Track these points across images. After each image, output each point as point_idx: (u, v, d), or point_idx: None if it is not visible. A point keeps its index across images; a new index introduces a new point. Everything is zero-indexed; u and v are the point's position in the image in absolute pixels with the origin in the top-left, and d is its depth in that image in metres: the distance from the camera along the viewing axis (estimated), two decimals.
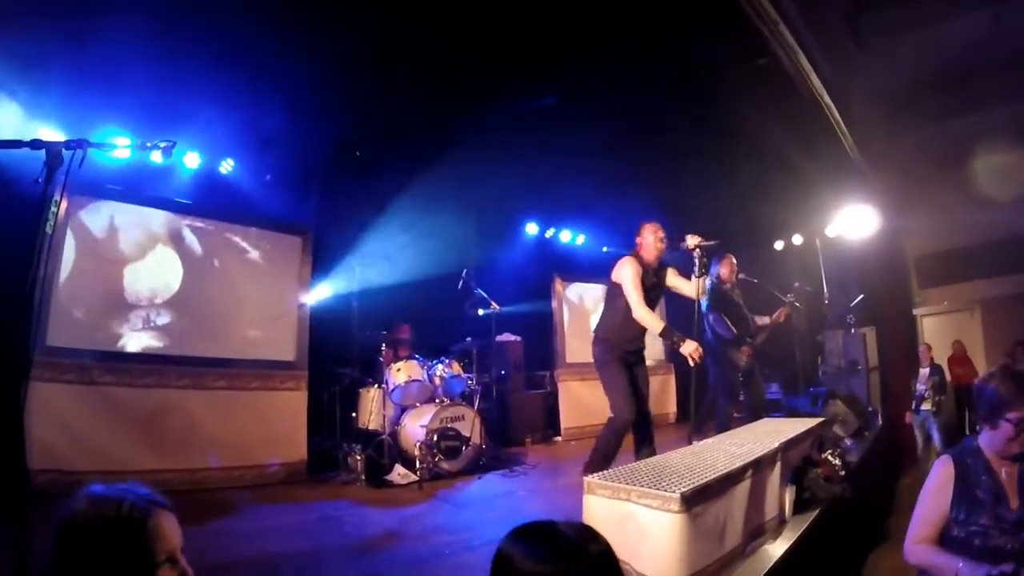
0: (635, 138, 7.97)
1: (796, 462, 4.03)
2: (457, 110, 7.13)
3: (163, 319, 6.31)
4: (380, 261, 7.66)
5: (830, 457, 4.27)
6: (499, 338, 8.87)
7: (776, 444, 3.70)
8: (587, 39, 6.05)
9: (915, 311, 11.06)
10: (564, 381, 9.73)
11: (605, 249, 11.21)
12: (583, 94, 7.08)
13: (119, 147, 4.59)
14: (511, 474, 6.83)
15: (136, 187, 6.29)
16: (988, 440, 2.34)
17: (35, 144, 2.60)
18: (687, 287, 5.12)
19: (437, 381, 7.16)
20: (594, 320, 5.61)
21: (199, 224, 6.68)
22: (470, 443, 6.83)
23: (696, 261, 4.88)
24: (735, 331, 6.74)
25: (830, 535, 3.82)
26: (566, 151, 8.07)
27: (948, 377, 9.36)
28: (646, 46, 6.21)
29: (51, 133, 5.26)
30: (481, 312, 8.20)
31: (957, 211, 9.71)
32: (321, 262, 7.52)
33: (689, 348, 4.68)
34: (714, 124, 7.44)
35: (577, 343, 9.86)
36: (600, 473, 3.11)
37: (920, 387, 8.16)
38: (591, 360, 5.28)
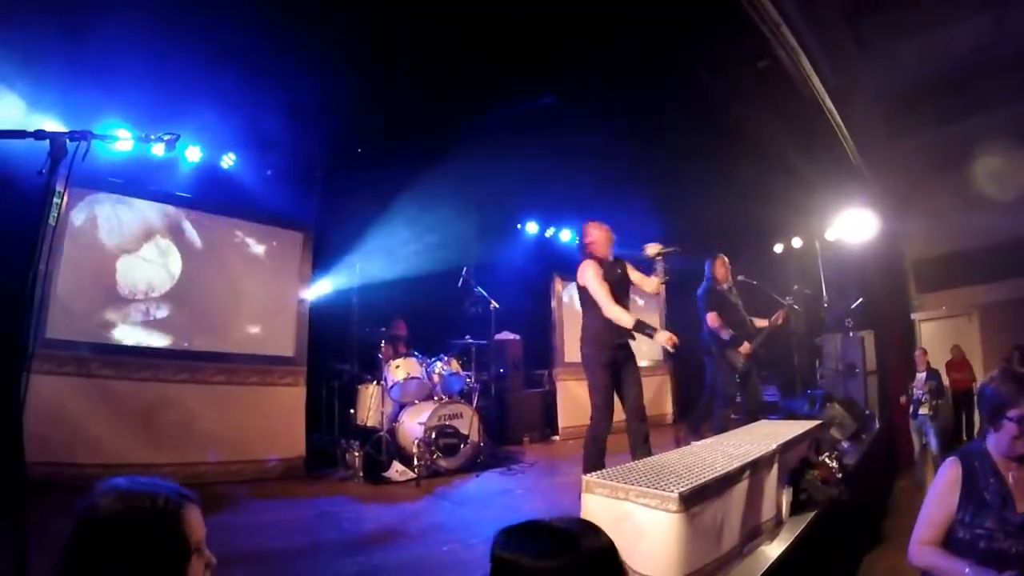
0: (635, 139, 7.97)
1: (793, 464, 4.04)
2: (458, 109, 7.15)
3: (162, 313, 6.31)
4: (380, 258, 7.66)
5: (827, 459, 4.27)
6: (498, 336, 8.89)
7: (774, 446, 3.71)
8: (588, 39, 6.06)
9: (913, 316, 11.07)
10: (562, 380, 9.74)
11: None
12: (584, 94, 7.09)
13: (122, 139, 4.60)
14: (509, 472, 6.85)
15: (137, 180, 6.29)
16: (994, 442, 2.35)
17: (39, 135, 2.59)
18: (647, 283, 5.19)
19: (436, 378, 7.17)
20: None
21: (199, 218, 6.68)
22: (468, 441, 6.84)
23: (658, 268, 4.93)
24: (732, 332, 6.74)
25: (827, 537, 3.83)
26: (567, 151, 8.06)
27: (946, 382, 9.38)
28: (647, 46, 6.22)
29: (53, 126, 5.26)
30: (480, 310, 8.21)
31: (956, 215, 9.72)
32: (321, 258, 7.53)
33: (662, 338, 4.71)
34: (715, 125, 7.45)
35: (576, 343, 9.81)
36: (598, 472, 3.12)
37: (917, 392, 8.17)
38: None
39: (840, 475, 4.21)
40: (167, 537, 1.30)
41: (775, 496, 3.61)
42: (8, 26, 4.61)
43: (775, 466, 3.64)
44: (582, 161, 8.39)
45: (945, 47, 7.68)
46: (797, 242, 11.44)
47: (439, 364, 7.27)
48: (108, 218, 6.10)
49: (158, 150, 3.18)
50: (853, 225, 9.47)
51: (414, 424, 6.69)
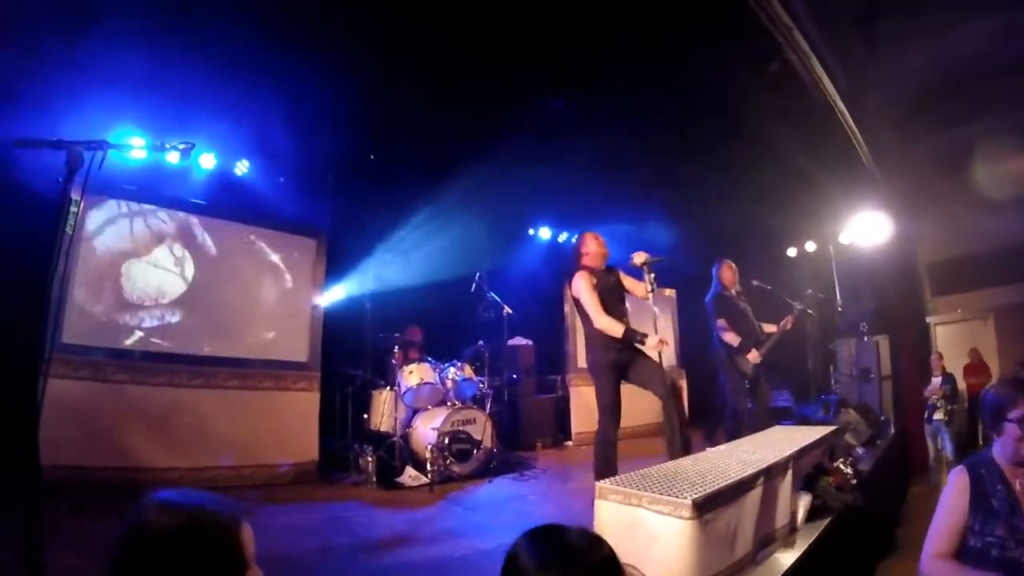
0: (647, 143, 7.96)
1: (808, 470, 4.02)
2: (470, 115, 7.16)
3: (177, 318, 6.36)
4: (394, 264, 7.69)
5: (842, 466, 4.25)
6: (511, 342, 8.88)
7: (788, 452, 3.69)
8: (599, 44, 6.07)
9: (928, 319, 10.98)
10: (575, 385, 9.71)
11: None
12: (596, 99, 7.10)
13: (138, 148, 4.63)
14: (521, 478, 6.84)
15: (151, 187, 6.35)
16: (1000, 449, 2.34)
17: (57, 144, 2.64)
18: (637, 288, 5.23)
19: (449, 384, 7.19)
20: None
21: (214, 225, 6.73)
22: (481, 446, 6.85)
23: (645, 277, 4.95)
24: (740, 338, 6.73)
25: (841, 544, 3.81)
26: (578, 156, 8.07)
27: (961, 386, 9.30)
28: (658, 51, 6.22)
29: (69, 135, 5.30)
30: (493, 315, 8.22)
31: (970, 217, 9.62)
32: (335, 264, 7.56)
33: (652, 342, 4.77)
34: (726, 130, 7.43)
35: None
36: (612, 478, 3.11)
37: (932, 397, 8.11)
38: None
39: (854, 481, 4.18)
40: (225, 552, 1.30)
41: (789, 503, 3.59)
42: (24, 36, 4.67)
43: (789, 472, 3.62)
44: (594, 167, 8.39)
45: (955, 49, 7.63)
46: (811, 246, 11.37)
47: (452, 370, 7.28)
48: (123, 225, 6.16)
49: (173, 158, 3.23)
50: (866, 228, 9.40)
51: (427, 429, 6.70)
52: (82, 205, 5.49)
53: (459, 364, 7.39)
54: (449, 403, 7.03)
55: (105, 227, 6.04)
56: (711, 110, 7.19)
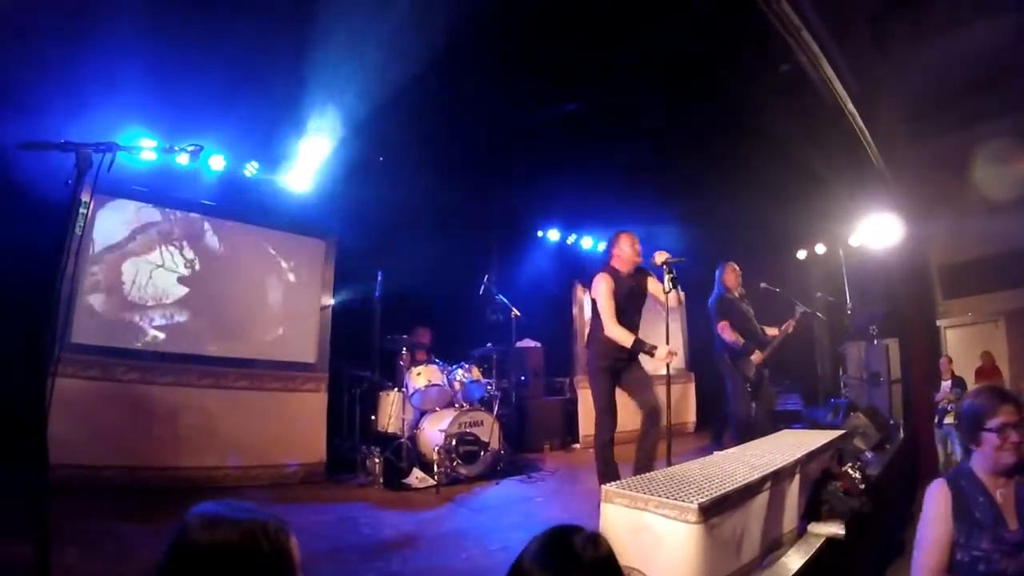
0: (657, 145, 7.96)
1: (815, 474, 4.00)
2: (482, 117, 7.17)
3: (185, 319, 6.37)
4: (402, 265, 7.69)
5: (850, 470, 4.23)
6: (519, 344, 8.89)
7: (796, 456, 3.68)
8: (610, 46, 6.07)
9: (939, 322, 10.92)
10: (583, 388, 9.65)
11: None
12: (606, 101, 7.09)
13: (146, 149, 4.66)
14: (529, 480, 6.83)
15: (161, 188, 6.37)
16: (978, 460, 2.31)
17: (65, 146, 2.66)
18: (660, 292, 5.15)
19: (457, 386, 7.18)
20: None
21: (223, 226, 6.75)
22: (488, 448, 6.84)
23: (665, 276, 4.92)
24: (742, 341, 6.72)
25: (848, 549, 3.79)
26: (588, 158, 8.07)
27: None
28: (668, 52, 6.21)
29: (78, 134, 5.33)
30: (501, 318, 8.21)
31: (982, 220, 9.56)
32: (344, 265, 7.56)
33: (661, 353, 4.76)
34: (737, 131, 7.41)
35: None
36: (618, 482, 3.11)
37: (942, 401, 8.06)
38: None
39: (863, 486, 4.16)
40: (280, 565, 1.29)
41: (796, 507, 3.57)
42: (33, 39, 4.70)
43: (797, 477, 3.61)
44: (603, 168, 8.41)
45: (967, 49, 7.61)
46: (820, 248, 11.35)
47: (460, 371, 7.27)
48: (133, 226, 6.18)
49: (182, 160, 3.24)
50: (877, 231, 9.37)
51: (434, 431, 6.71)
52: (91, 206, 5.56)
53: (467, 366, 7.39)
54: (457, 405, 7.03)
55: (115, 228, 6.06)
56: (721, 112, 7.18)
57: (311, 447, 6.74)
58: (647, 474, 3.38)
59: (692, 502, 2.57)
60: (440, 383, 7.00)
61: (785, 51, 5.96)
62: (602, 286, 5.03)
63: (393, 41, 5.57)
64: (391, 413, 7.04)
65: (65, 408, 5.08)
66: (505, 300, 8.03)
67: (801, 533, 3.59)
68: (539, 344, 9.45)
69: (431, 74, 6.10)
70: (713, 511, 2.63)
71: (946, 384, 8.22)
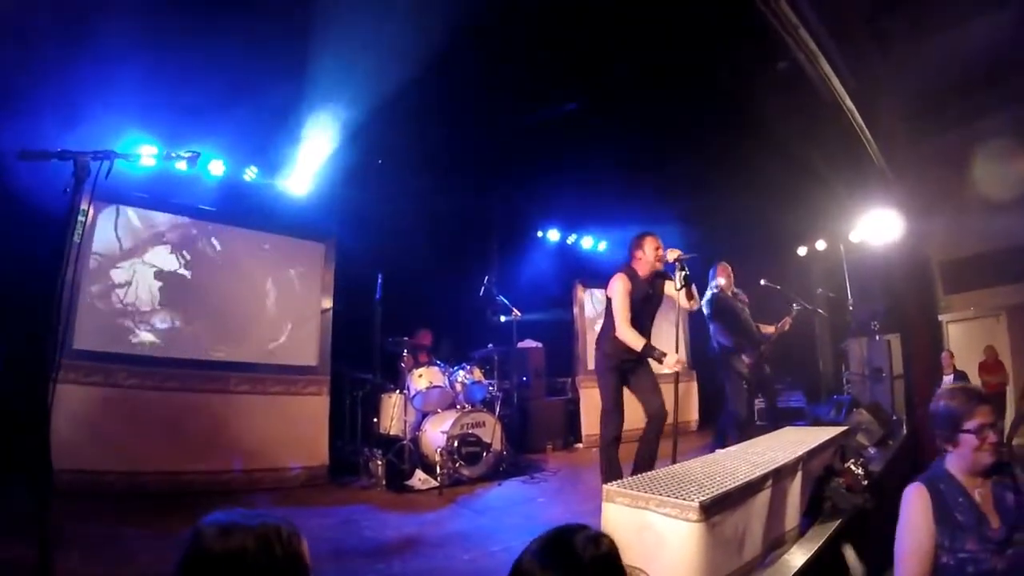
0: (657, 143, 7.96)
1: (818, 472, 4.00)
2: (479, 116, 7.17)
3: (187, 324, 6.38)
4: (402, 267, 7.69)
5: (852, 467, 4.22)
6: (520, 344, 8.88)
7: (798, 453, 3.68)
8: (608, 45, 6.07)
9: (940, 317, 10.90)
10: (585, 388, 9.68)
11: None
12: (605, 99, 7.09)
13: (145, 156, 4.67)
14: (531, 480, 6.83)
15: (161, 194, 6.39)
16: (955, 461, 2.29)
17: (63, 155, 2.67)
18: (682, 299, 5.13)
19: (458, 387, 7.19)
20: None
21: (223, 231, 6.76)
22: (490, 449, 6.85)
23: (677, 274, 4.91)
24: (735, 339, 6.73)
25: (851, 546, 3.78)
26: (588, 157, 8.07)
27: (977, 384, 9.22)
28: (667, 50, 6.21)
29: (76, 141, 5.34)
30: (503, 318, 8.21)
31: (983, 215, 9.54)
32: (344, 268, 7.56)
33: (670, 361, 4.75)
34: (736, 129, 7.40)
35: None
36: (619, 481, 3.11)
37: None
38: None
39: (866, 482, 4.15)
40: (293, 568, 1.31)
41: (798, 505, 3.57)
42: (30, 45, 4.71)
43: (799, 474, 3.60)
44: (603, 167, 8.40)
45: (967, 45, 7.58)
46: (821, 245, 11.33)
47: (461, 373, 7.28)
48: (133, 231, 6.20)
49: (180, 166, 3.25)
50: (877, 227, 9.34)
51: (436, 433, 6.71)
52: (91, 213, 5.58)
53: (468, 367, 7.40)
54: (458, 406, 7.04)
55: (115, 234, 6.07)
56: (720, 110, 7.17)
57: (313, 450, 6.75)
58: (648, 473, 3.38)
59: (693, 500, 2.57)
60: (442, 384, 7.01)
61: (783, 49, 5.95)
62: (619, 286, 5.02)
63: (391, 43, 5.57)
64: (393, 415, 7.05)
65: (67, 414, 5.12)
66: (506, 301, 8.02)
67: (804, 531, 3.59)
68: (540, 344, 9.45)
69: (430, 75, 6.10)
70: (715, 509, 2.63)
71: (948, 379, 8.22)
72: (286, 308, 7.04)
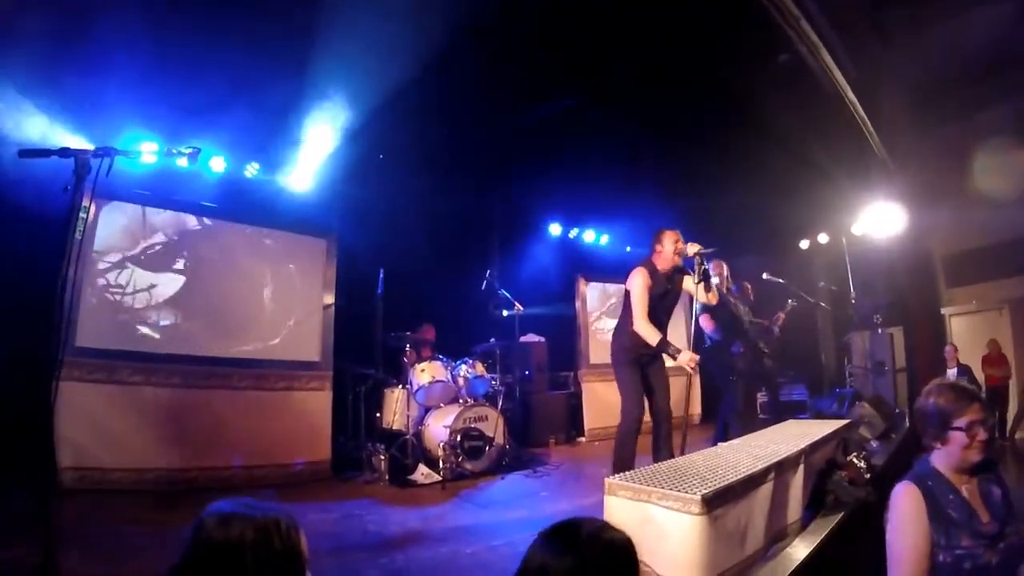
0: (659, 137, 7.94)
1: (820, 465, 4.00)
2: (481, 111, 7.16)
3: (190, 320, 6.38)
4: (404, 262, 7.69)
5: (855, 460, 4.23)
6: (523, 339, 8.88)
7: (800, 446, 3.68)
8: (609, 40, 6.05)
9: (943, 310, 10.89)
10: (588, 382, 9.71)
11: (629, 249, 11.23)
12: (606, 94, 7.07)
13: (145, 153, 4.68)
14: (534, 474, 6.84)
15: (162, 190, 6.38)
16: (942, 458, 2.27)
17: (64, 153, 2.68)
18: (700, 293, 5.12)
19: (461, 382, 7.20)
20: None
21: (224, 227, 6.76)
22: (493, 443, 6.85)
23: (696, 268, 4.91)
24: (724, 334, 6.76)
25: (854, 539, 3.79)
26: (589, 152, 8.05)
27: (980, 377, 9.23)
28: (668, 44, 6.19)
29: (77, 139, 5.35)
30: (505, 313, 8.21)
31: (985, 207, 9.51)
32: (345, 263, 7.56)
33: (685, 358, 4.76)
34: (738, 122, 7.38)
35: (601, 344, 9.84)
36: (621, 474, 3.11)
37: None
38: None
39: (868, 476, 4.16)
40: (292, 561, 1.32)
41: (801, 498, 3.57)
42: (32, 42, 4.70)
43: (801, 467, 3.61)
44: (605, 161, 8.38)
45: (969, 36, 7.55)
46: (823, 238, 11.31)
47: (464, 367, 7.29)
48: (134, 229, 6.20)
49: (181, 163, 3.25)
50: (880, 219, 9.32)
51: (439, 427, 6.72)
52: (92, 210, 5.58)
53: (471, 361, 7.40)
54: (461, 400, 7.04)
55: (117, 231, 6.07)
56: (722, 104, 7.15)
57: (317, 445, 6.77)
58: (650, 466, 3.38)
59: (695, 493, 2.58)
60: (444, 379, 7.02)
61: (784, 41, 5.93)
62: (638, 280, 5.00)
63: (393, 39, 5.56)
64: (396, 410, 7.05)
65: (72, 411, 5.14)
66: (508, 295, 8.02)
67: (806, 524, 3.60)
68: (543, 338, 9.45)
69: (431, 71, 6.09)
70: (717, 502, 2.63)
71: (952, 372, 8.22)
72: (288, 304, 7.04)
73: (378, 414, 7.23)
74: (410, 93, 6.24)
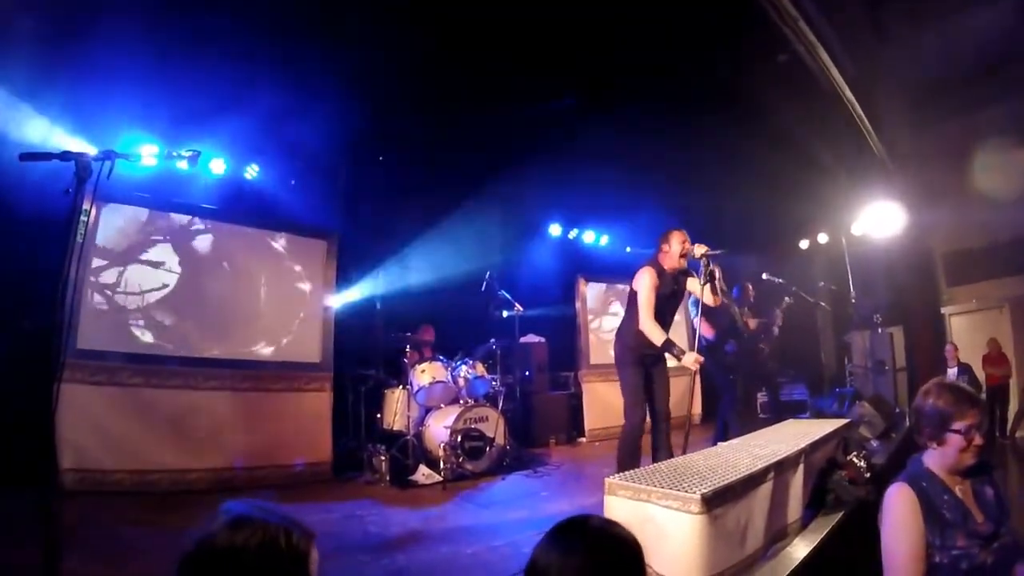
0: (658, 137, 7.94)
1: (821, 464, 4.00)
2: (480, 112, 7.16)
3: (190, 322, 6.39)
4: (404, 263, 7.70)
5: (855, 459, 4.22)
6: (523, 339, 8.88)
7: (800, 446, 3.68)
8: (609, 39, 6.06)
9: (943, 309, 10.88)
10: (588, 382, 9.71)
11: (628, 249, 11.23)
12: (606, 94, 7.08)
13: (146, 156, 4.68)
14: (535, 475, 6.85)
15: (163, 193, 6.39)
16: (937, 459, 2.25)
17: (65, 156, 2.69)
18: (706, 294, 5.11)
19: (461, 382, 7.20)
20: (618, 321, 5.64)
21: (225, 229, 6.77)
22: (494, 444, 6.86)
23: (703, 270, 4.90)
24: (717, 333, 6.77)
25: (854, 539, 3.79)
26: (590, 151, 8.06)
27: (981, 376, 9.22)
28: (668, 44, 6.20)
29: (78, 142, 5.35)
30: (505, 313, 8.22)
31: (985, 206, 9.51)
32: (346, 265, 7.57)
33: (689, 359, 4.75)
34: (738, 122, 7.40)
35: (601, 344, 9.86)
36: (621, 474, 3.12)
37: None
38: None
39: (868, 475, 4.16)
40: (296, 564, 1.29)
41: (801, 497, 3.58)
42: (33, 46, 4.71)
43: (801, 466, 3.61)
44: (605, 161, 8.38)
45: (967, 34, 7.55)
46: (823, 238, 11.30)
47: (464, 368, 7.29)
48: (135, 231, 6.20)
49: (182, 165, 3.26)
50: (879, 219, 9.33)
51: (440, 428, 6.72)
52: (93, 213, 5.59)
53: (471, 362, 7.40)
54: (462, 401, 7.05)
55: (117, 234, 6.08)
56: (721, 104, 7.17)
57: (317, 446, 6.77)
58: (650, 466, 3.38)
59: (695, 493, 2.58)
60: (445, 380, 7.02)
61: (783, 41, 5.94)
62: (646, 279, 4.98)
63: (393, 39, 5.57)
64: (396, 411, 7.05)
65: (73, 413, 5.15)
66: (508, 296, 8.02)
67: (806, 523, 3.60)
68: (543, 339, 9.46)
69: (433, 70, 6.11)
70: (716, 501, 2.64)
71: (952, 371, 8.21)
72: (289, 305, 7.05)
73: (379, 415, 7.24)
74: (410, 93, 6.25)
